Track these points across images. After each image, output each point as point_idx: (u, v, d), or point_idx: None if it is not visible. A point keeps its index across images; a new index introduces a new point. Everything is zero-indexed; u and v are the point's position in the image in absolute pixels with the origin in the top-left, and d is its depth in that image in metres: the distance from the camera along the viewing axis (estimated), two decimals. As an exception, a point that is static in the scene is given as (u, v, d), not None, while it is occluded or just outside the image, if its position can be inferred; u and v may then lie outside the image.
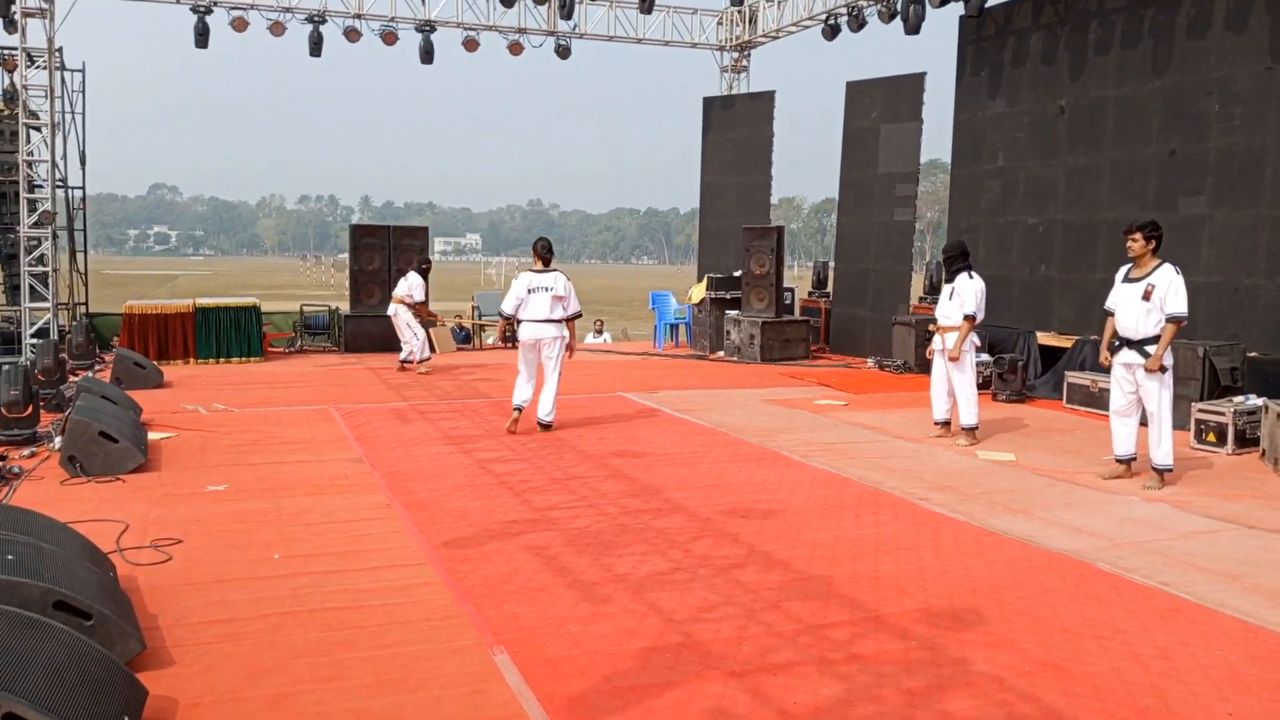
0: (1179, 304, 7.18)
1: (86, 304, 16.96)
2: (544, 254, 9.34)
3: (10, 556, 3.90)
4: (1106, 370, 7.81)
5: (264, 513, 6.33)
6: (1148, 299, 7.29)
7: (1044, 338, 12.58)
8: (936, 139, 14.93)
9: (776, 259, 15.06)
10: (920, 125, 15.00)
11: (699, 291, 16.30)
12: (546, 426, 9.25)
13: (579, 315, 9.44)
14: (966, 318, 8.79)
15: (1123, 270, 7.60)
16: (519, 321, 9.23)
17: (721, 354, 15.66)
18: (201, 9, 15.73)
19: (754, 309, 15.25)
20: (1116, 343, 7.56)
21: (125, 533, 5.78)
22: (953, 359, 8.84)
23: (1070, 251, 12.63)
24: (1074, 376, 11.16)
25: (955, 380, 9.03)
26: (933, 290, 15.07)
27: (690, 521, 6.24)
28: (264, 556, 5.43)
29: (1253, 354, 9.99)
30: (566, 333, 9.31)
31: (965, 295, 8.83)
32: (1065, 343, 12.25)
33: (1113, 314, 7.59)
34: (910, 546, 5.77)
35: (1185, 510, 6.72)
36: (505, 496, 6.81)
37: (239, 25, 16.01)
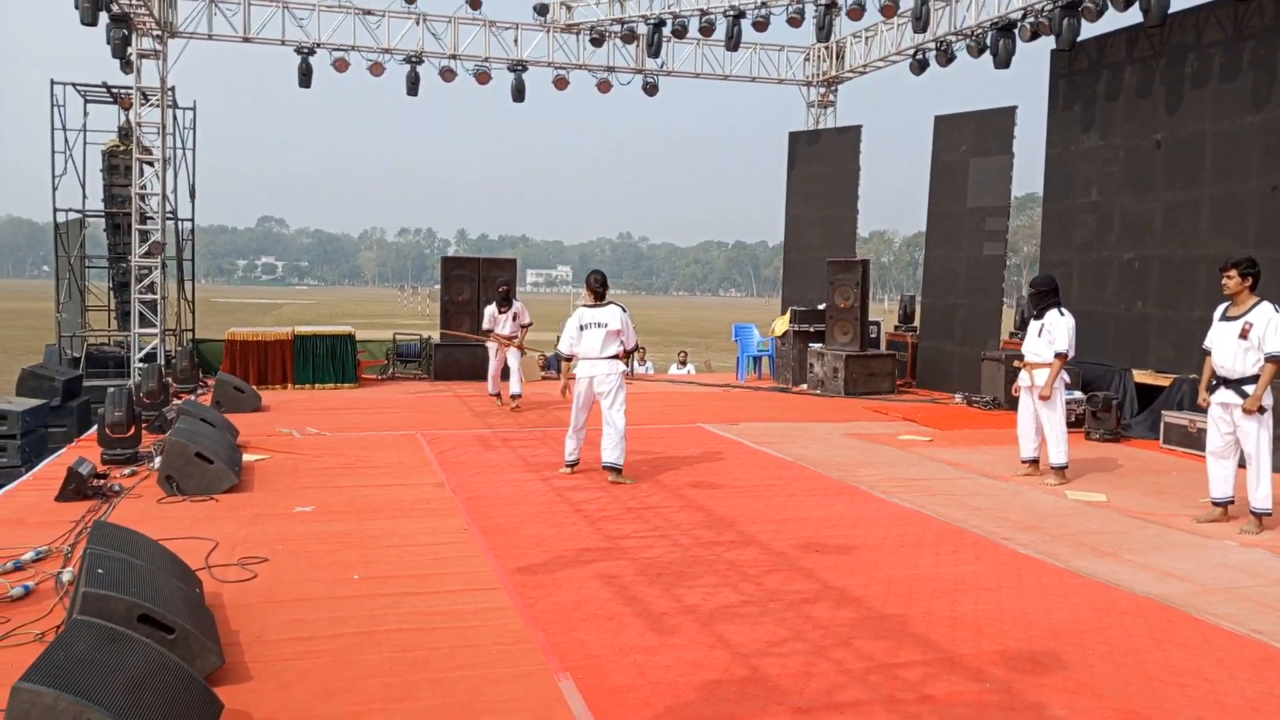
0: (1278, 343, 6.92)
1: (193, 330, 17.69)
2: (596, 288, 8.69)
3: (101, 571, 4.10)
4: (1204, 410, 7.54)
5: (348, 534, 6.50)
6: (1245, 337, 7.05)
7: (1140, 376, 12.20)
8: (1027, 173, 14.62)
9: (861, 292, 14.93)
10: (1011, 159, 14.79)
11: (782, 324, 16.24)
12: (616, 470, 8.44)
13: (637, 349, 8.84)
14: (1058, 355, 8.60)
15: (1221, 308, 7.36)
16: (577, 361, 8.77)
17: (804, 387, 15.55)
18: (305, 50, 16.36)
19: (838, 342, 15.13)
20: (1214, 382, 7.31)
21: (214, 550, 6.00)
22: (1043, 398, 8.64)
23: (1168, 288, 12.26)
24: (1171, 416, 10.80)
25: (1045, 418, 8.82)
26: (1023, 325, 14.71)
27: (763, 555, 6.21)
28: (344, 577, 5.58)
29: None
30: (622, 368, 8.70)
31: (1056, 332, 8.65)
32: (1163, 381, 11.87)
33: (1210, 353, 7.35)
34: (990, 587, 5.64)
35: (1285, 557, 6.44)
36: (580, 524, 6.87)
37: (340, 66, 16.62)
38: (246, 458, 8.79)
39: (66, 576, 5.21)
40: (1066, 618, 5.13)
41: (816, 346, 15.34)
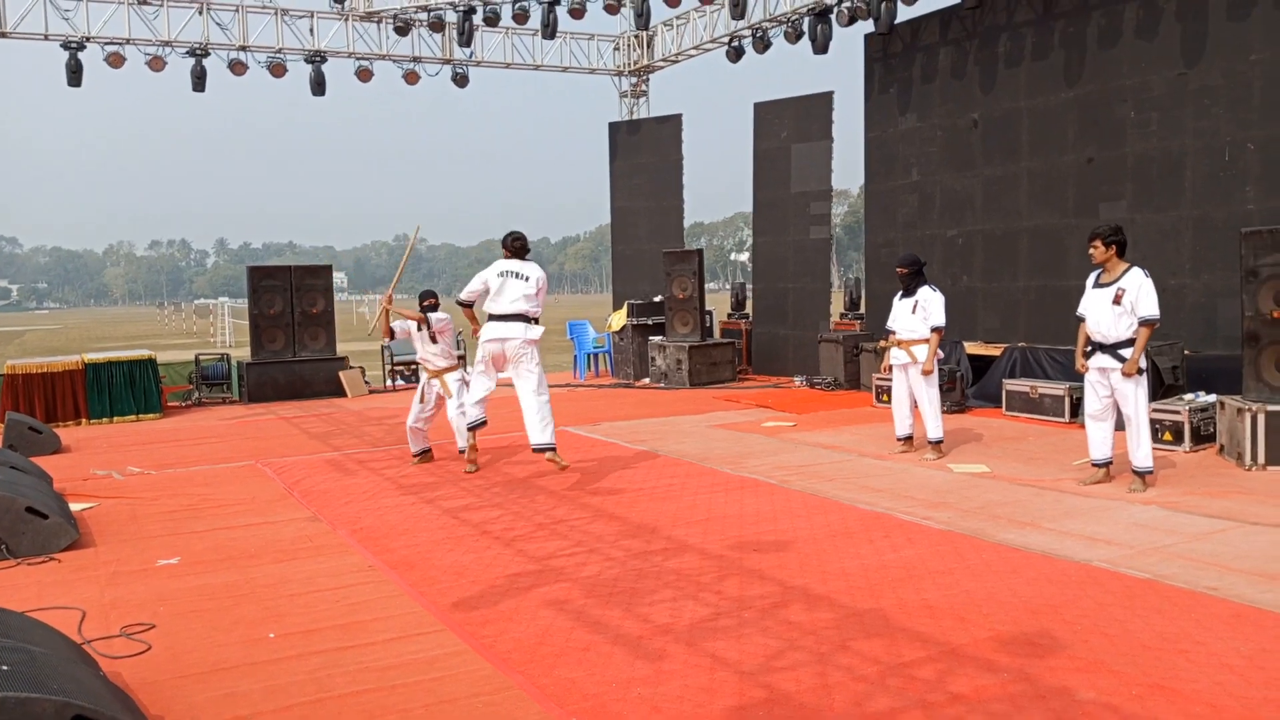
0: (1150, 306, 7.21)
1: (-53, 366, 15.53)
2: (515, 248, 7.96)
3: (4, 666, 3.28)
4: (1081, 376, 7.81)
5: (234, 586, 5.68)
6: (1118, 303, 7.31)
7: (971, 348, 12.72)
8: (841, 159, 14.97)
9: (699, 282, 14.89)
10: (831, 144, 15.14)
11: (619, 319, 16.00)
12: (551, 450, 7.83)
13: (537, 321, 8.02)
14: (936, 329, 8.73)
15: (1092, 276, 7.62)
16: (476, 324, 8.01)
17: (647, 381, 15.38)
18: (73, 45, 14.68)
19: (678, 334, 15.03)
20: (1089, 348, 7.56)
21: (84, 621, 5.08)
22: (927, 372, 8.76)
23: (992, 261, 12.84)
24: (1012, 384, 11.28)
25: (921, 394, 8.94)
26: (853, 306, 15.13)
27: (704, 560, 5.89)
28: (257, 636, 4.83)
29: (1188, 352, 10.26)
30: (541, 332, 7.98)
31: (932, 307, 8.78)
32: (993, 351, 12.41)
33: (1084, 320, 7.60)
34: (941, 570, 5.54)
35: (1181, 511, 6.72)
36: (496, 548, 6.32)
37: (114, 61, 15.03)
38: (74, 507, 7.64)
39: (-90, 677, 4.23)
40: (1032, 594, 5.09)
41: (657, 339, 15.18)
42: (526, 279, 7.94)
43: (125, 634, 4.87)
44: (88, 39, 14.79)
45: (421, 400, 9.17)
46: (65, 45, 14.66)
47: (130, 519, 7.47)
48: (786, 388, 14.37)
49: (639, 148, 17.74)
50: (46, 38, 14.65)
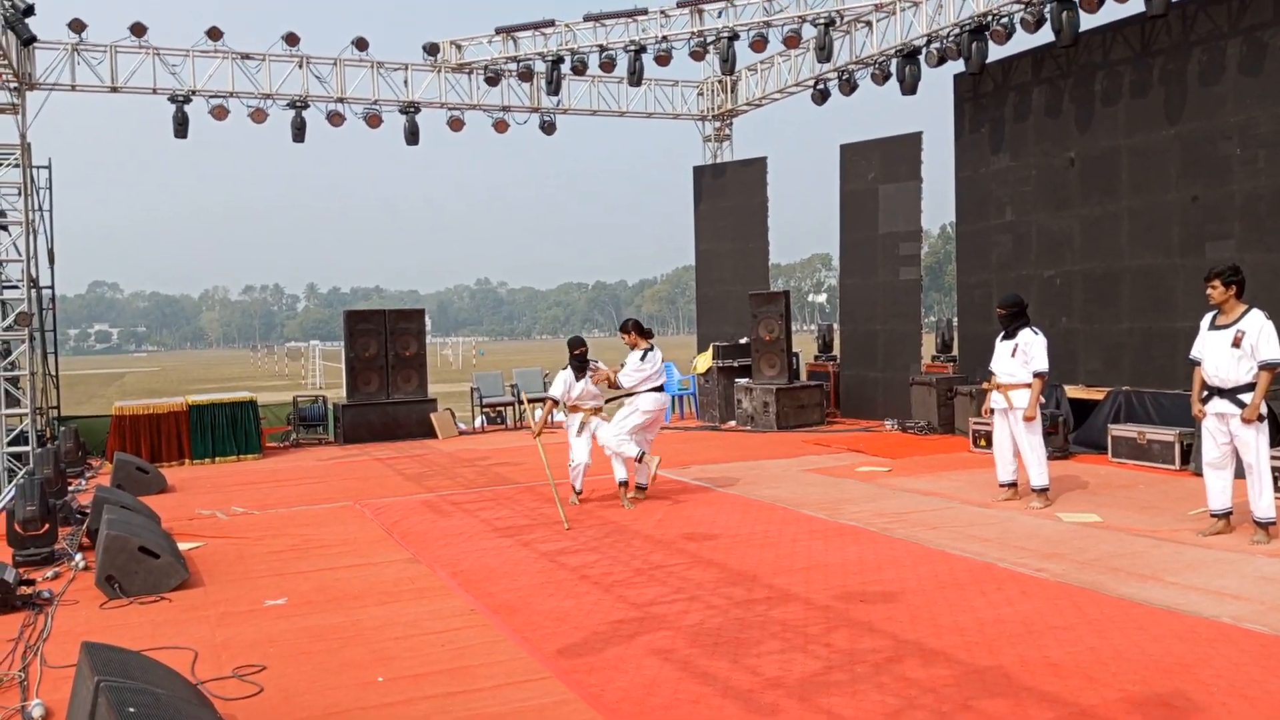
0: (1273, 349, 6.91)
1: (58, 408, 16.13)
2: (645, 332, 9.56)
3: (132, 710, 3.32)
4: (1194, 421, 7.51)
5: (340, 628, 5.73)
6: (1238, 346, 7.03)
7: (1072, 391, 12.36)
8: (930, 199, 14.81)
9: (785, 324, 14.78)
10: (920, 184, 14.95)
11: (704, 361, 15.94)
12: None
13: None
14: (1038, 375, 8.50)
15: (1208, 317, 7.34)
16: (634, 392, 9.29)
17: (734, 423, 15.26)
18: (180, 99, 15.27)
19: (765, 376, 14.91)
20: (1205, 393, 7.28)
21: (196, 661, 5.16)
22: (1029, 419, 8.51)
23: (1092, 302, 12.49)
24: (1119, 429, 10.91)
25: (1023, 441, 8.68)
26: (945, 348, 14.84)
27: (810, 610, 5.76)
28: (366, 680, 4.84)
29: (1306, 397, 9.81)
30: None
31: (1033, 351, 8.55)
32: (1095, 395, 12.04)
33: (1199, 363, 7.32)
34: (1062, 625, 5.33)
35: (1313, 565, 6.39)
36: (595, 593, 6.27)
37: (219, 113, 15.59)
38: (181, 546, 7.81)
39: (37, 712, 4.34)
40: (1161, 652, 4.85)
41: (743, 381, 15.08)
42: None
43: (238, 675, 4.93)
44: (194, 92, 15.37)
45: (579, 436, 9.45)
46: (172, 99, 15.26)
47: (237, 559, 7.61)
48: (877, 431, 14.12)
49: (723, 190, 17.77)
50: (155, 91, 15.27)
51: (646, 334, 9.56)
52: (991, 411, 9.00)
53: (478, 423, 16.63)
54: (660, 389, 9.46)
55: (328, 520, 9.10)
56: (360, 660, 5.15)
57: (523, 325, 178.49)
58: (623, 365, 9.47)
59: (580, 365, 9.34)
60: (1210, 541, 7.14)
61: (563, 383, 9.39)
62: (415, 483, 11.14)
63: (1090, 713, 4.16)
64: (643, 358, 9.34)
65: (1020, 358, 8.64)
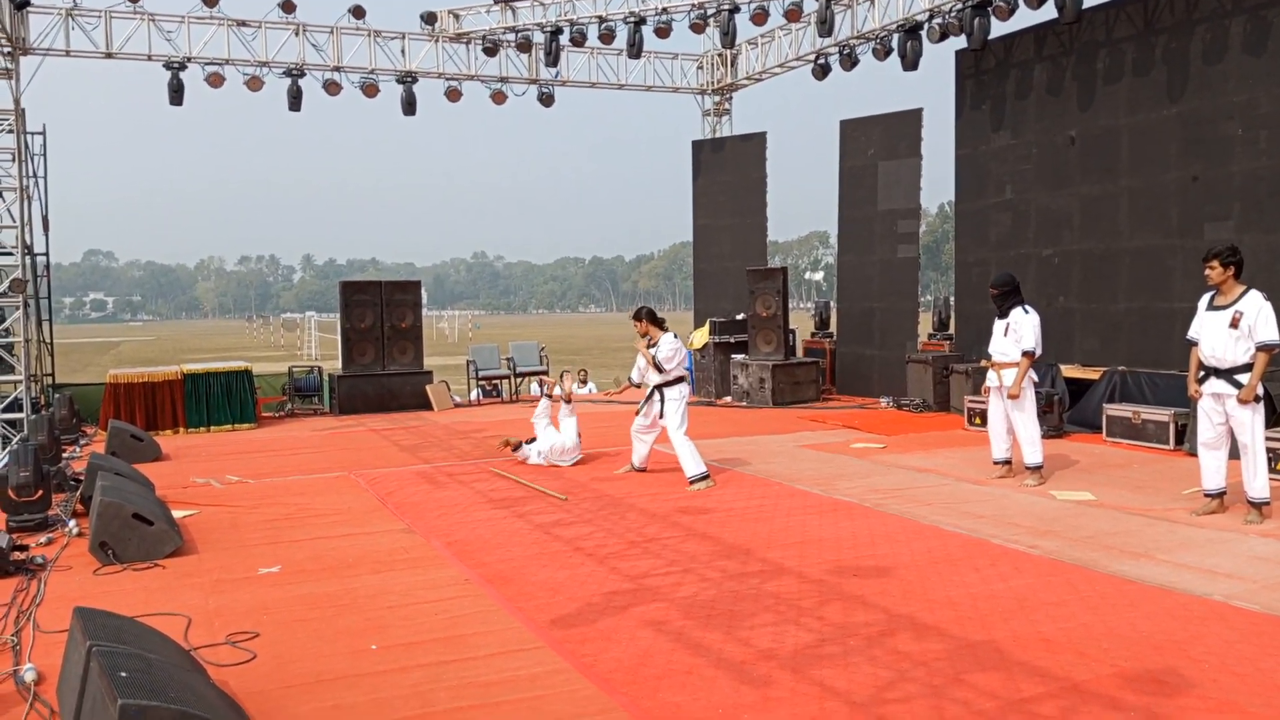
0: (1271, 331, 6.90)
1: (53, 375, 16.09)
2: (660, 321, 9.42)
3: (124, 674, 3.32)
4: (1189, 402, 7.51)
5: (335, 596, 5.73)
6: (1235, 326, 7.01)
7: (1068, 370, 12.36)
8: (928, 177, 14.75)
9: (782, 300, 14.75)
10: (920, 161, 14.89)
11: (701, 336, 15.92)
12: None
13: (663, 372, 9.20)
14: (1026, 354, 8.51)
15: (1205, 298, 7.32)
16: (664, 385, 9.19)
17: (729, 399, 15.26)
18: (175, 65, 15.14)
19: (762, 352, 14.90)
20: (1202, 373, 7.27)
21: (190, 627, 5.16)
22: (1012, 396, 8.53)
23: (1090, 282, 12.47)
24: (1114, 409, 10.92)
25: (1016, 419, 8.71)
26: (942, 326, 14.82)
27: (804, 584, 5.76)
28: (359, 648, 4.84)
29: (1301, 378, 9.81)
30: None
31: (1023, 330, 8.56)
32: (1091, 374, 12.04)
33: (1196, 343, 7.30)
34: (1055, 601, 5.34)
35: (1305, 545, 6.41)
36: (589, 565, 6.28)
37: (215, 81, 15.47)
38: (176, 513, 7.80)
39: (30, 677, 4.34)
40: (1153, 629, 4.87)
41: (740, 357, 15.07)
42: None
43: (231, 642, 4.93)
44: (189, 59, 15.24)
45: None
46: (168, 65, 15.13)
47: (231, 526, 7.61)
48: (873, 408, 14.13)
49: (722, 165, 17.69)
50: (150, 58, 15.14)
51: (660, 323, 9.34)
52: (989, 390, 9.02)
53: (473, 395, 16.61)
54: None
55: (322, 490, 9.09)
56: (354, 628, 5.15)
57: (519, 299, 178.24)
58: (654, 345, 9.19)
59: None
60: (1204, 521, 7.15)
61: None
62: (410, 453, 11.14)
63: (1082, 688, 4.18)
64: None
65: (1012, 337, 8.65)
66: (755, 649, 4.70)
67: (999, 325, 8.86)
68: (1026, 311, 8.72)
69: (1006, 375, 8.69)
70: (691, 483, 8.73)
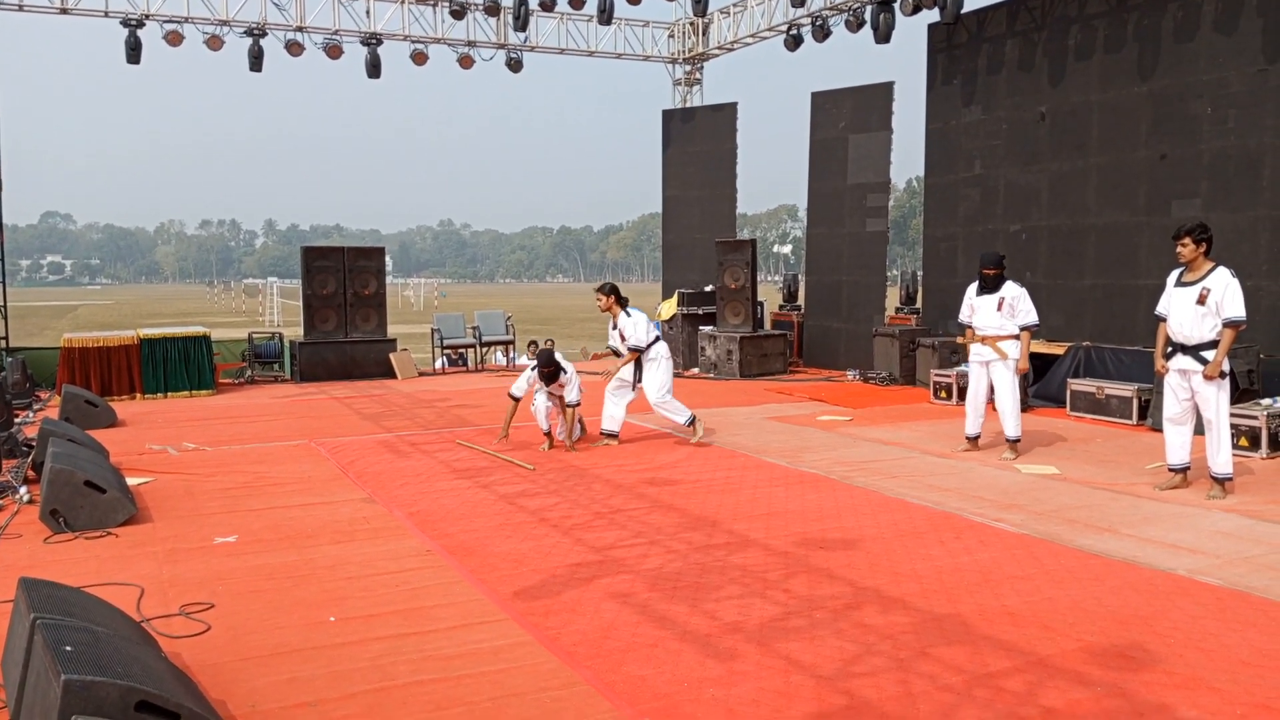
0: (1237, 307, 6.94)
1: (7, 339, 15.71)
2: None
3: (69, 648, 3.19)
4: (1152, 378, 7.53)
5: (293, 566, 5.61)
6: (1203, 303, 7.03)
7: (1033, 345, 12.36)
8: (897, 152, 14.68)
9: (751, 272, 14.68)
10: (890, 135, 14.83)
11: (669, 307, 15.83)
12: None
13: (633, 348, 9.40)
14: (1027, 328, 8.54)
15: (1174, 274, 7.32)
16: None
17: (696, 370, 15.20)
18: (133, 23, 14.73)
19: (730, 324, 14.84)
20: (1170, 349, 7.28)
21: (143, 598, 5.03)
22: (1022, 371, 8.67)
23: (1057, 258, 12.51)
24: (1078, 384, 10.98)
25: (1004, 391, 8.71)
26: (909, 300, 14.82)
27: (770, 556, 5.72)
28: (317, 620, 4.74)
29: (1264, 356, 9.91)
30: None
31: (1021, 305, 8.60)
32: (1056, 350, 12.09)
33: (1165, 319, 7.31)
34: (1020, 575, 5.34)
35: (1266, 520, 6.45)
36: (554, 536, 6.20)
37: (173, 39, 15.08)
38: (130, 481, 7.62)
39: (-27, 650, 4.19)
40: (1119, 603, 4.87)
41: (708, 329, 15.00)
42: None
43: (184, 613, 4.81)
44: (147, 17, 14.83)
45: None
46: (125, 22, 14.71)
47: (187, 495, 7.45)
48: (839, 381, 14.14)
49: (692, 136, 17.54)
50: (107, 14, 14.72)
51: (624, 303, 9.45)
52: (985, 365, 8.93)
53: (438, 364, 16.43)
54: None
55: (282, 458, 8.93)
56: (312, 599, 5.04)
57: (486, 268, 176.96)
58: (620, 334, 9.37)
59: (549, 379, 9.14)
60: (1167, 495, 7.20)
61: (525, 382, 9.28)
62: (373, 422, 10.99)
63: (1047, 662, 4.16)
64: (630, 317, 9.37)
65: (1007, 311, 8.64)
66: (721, 622, 4.65)
67: (986, 300, 8.79)
68: (1019, 286, 8.80)
69: (1008, 347, 8.68)
70: (689, 424, 9.37)
